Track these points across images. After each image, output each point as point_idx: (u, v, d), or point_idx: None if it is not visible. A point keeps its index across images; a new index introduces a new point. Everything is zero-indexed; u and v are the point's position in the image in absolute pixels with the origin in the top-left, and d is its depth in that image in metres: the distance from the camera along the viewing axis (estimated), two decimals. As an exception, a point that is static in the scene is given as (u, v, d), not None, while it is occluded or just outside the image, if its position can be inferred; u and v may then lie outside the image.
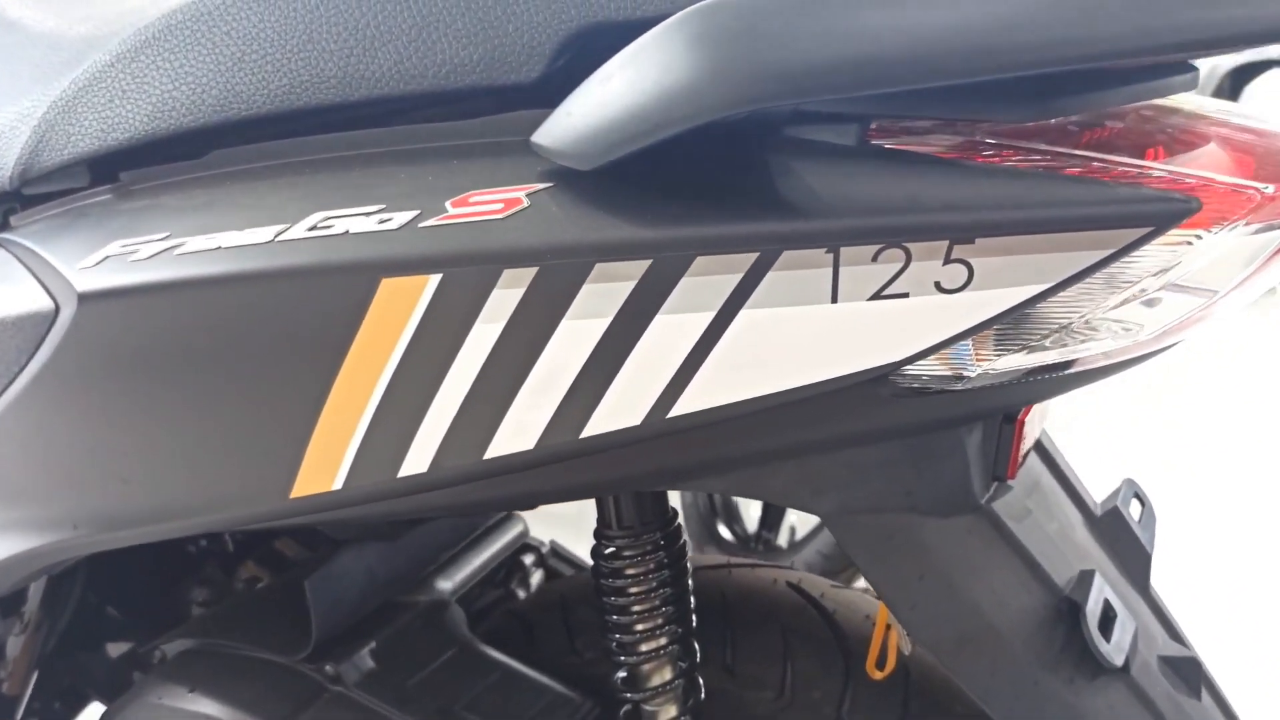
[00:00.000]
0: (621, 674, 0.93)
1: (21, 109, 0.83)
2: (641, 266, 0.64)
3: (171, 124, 0.77)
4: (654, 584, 0.92)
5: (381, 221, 0.67)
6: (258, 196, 0.72)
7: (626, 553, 0.92)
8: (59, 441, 0.78)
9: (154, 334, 0.72)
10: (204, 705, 0.90)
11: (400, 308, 0.67)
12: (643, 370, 0.67)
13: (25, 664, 1.08)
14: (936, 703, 0.93)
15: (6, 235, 0.83)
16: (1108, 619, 0.77)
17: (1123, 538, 0.89)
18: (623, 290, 0.65)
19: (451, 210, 0.66)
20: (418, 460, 0.72)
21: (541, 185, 0.67)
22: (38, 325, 0.76)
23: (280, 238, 0.68)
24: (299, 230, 0.68)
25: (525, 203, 0.66)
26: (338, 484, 0.74)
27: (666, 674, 0.92)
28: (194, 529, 0.81)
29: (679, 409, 0.68)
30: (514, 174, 0.68)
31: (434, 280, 0.66)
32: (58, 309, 0.75)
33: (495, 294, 0.66)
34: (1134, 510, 0.93)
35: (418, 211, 0.67)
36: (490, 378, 0.68)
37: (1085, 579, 0.79)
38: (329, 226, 0.68)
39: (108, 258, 0.72)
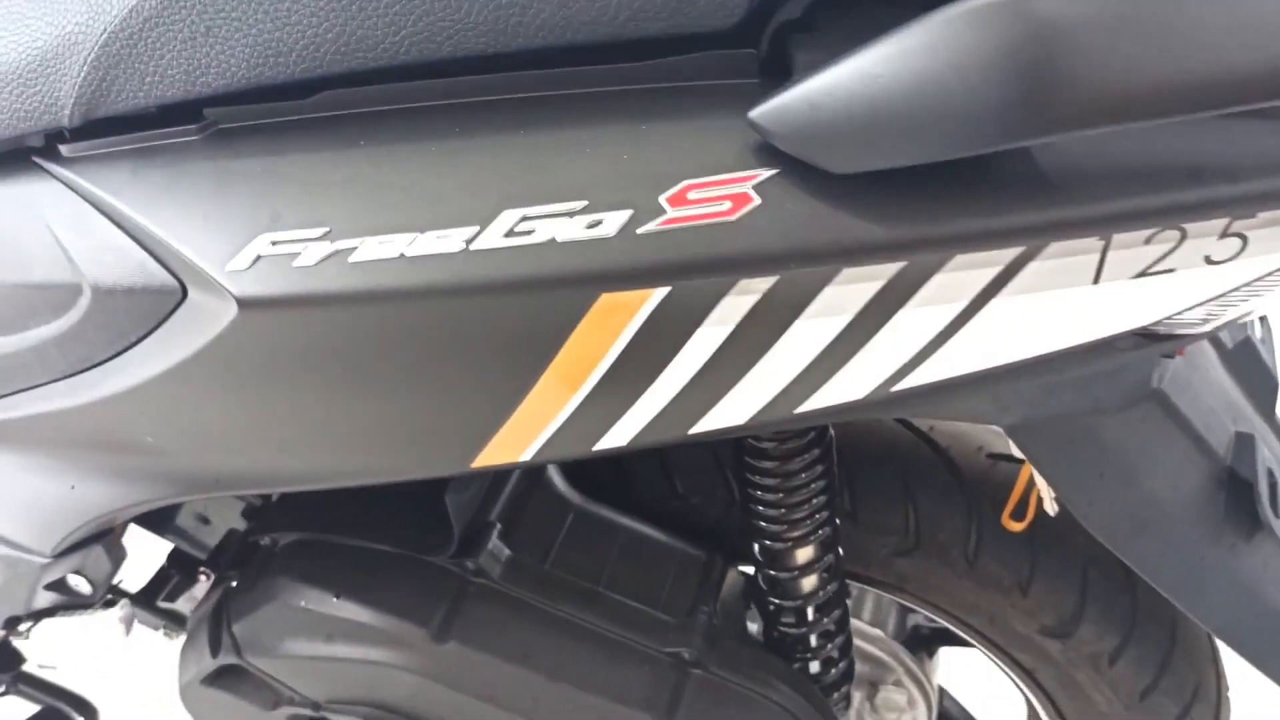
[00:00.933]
0: (762, 521, 0.97)
1: (62, 28, 0.69)
2: (892, 268, 0.59)
3: (277, 72, 0.65)
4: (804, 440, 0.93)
5: (591, 226, 0.60)
6: (415, 176, 0.63)
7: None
8: (205, 416, 0.73)
9: (328, 340, 0.65)
10: (353, 611, 0.90)
11: (617, 318, 0.62)
12: (875, 357, 0.64)
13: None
14: (1065, 556, 1.00)
15: (63, 171, 0.71)
16: (1274, 491, 0.81)
17: (1253, 367, 0.92)
18: (867, 291, 0.61)
19: (671, 212, 0.59)
20: (617, 437, 0.70)
21: (767, 173, 0.59)
22: (155, 302, 0.69)
23: (473, 245, 0.60)
24: (493, 236, 0.60)
25: (756, 199, 0.59)
26: (525, 457, 0.72)
27: (805, 524, 0.96)
28: (343, 484, 0.79)
29: (907, 384, 0.66)
30: (731, 157, 0.60)
31: (660, 293, 0.61)
32: (185, 292, 0.67)
33: (726, 301, 0.61)
34: (1256, 332, 0.95)
35: (631, 212, 0.59)
36: (709, 373, 0.65)
37: (1245, 446, 0.82)
38: (529, 232, 0.60)
39: (260, 258, 0.63)
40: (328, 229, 0.62)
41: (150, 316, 0.70)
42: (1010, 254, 0.59)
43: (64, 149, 0.71)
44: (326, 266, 0.62)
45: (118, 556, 0.90)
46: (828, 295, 0.60)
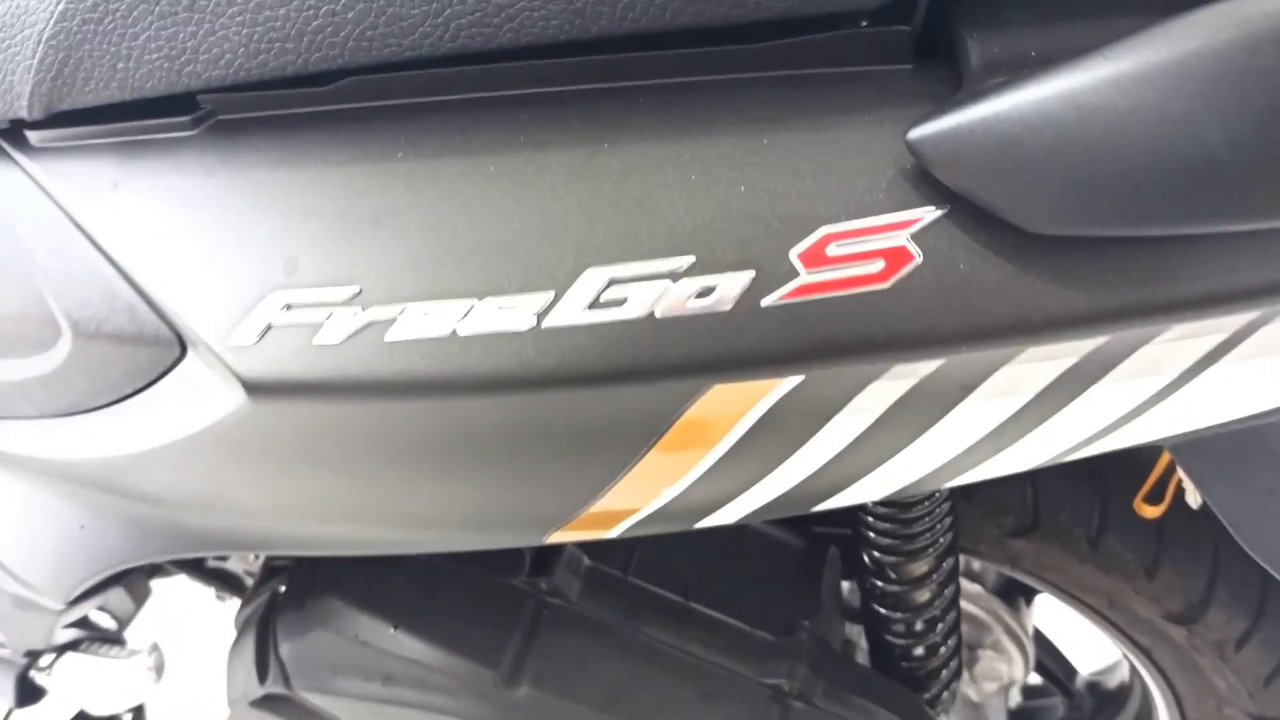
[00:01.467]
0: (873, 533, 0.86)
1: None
2: (1089, 344, 0.46)
3: (283, 63, 0.50)
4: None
5: (701, 295, 0.46)
6: (468, 213, 0.48)
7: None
8: (222, 489, 0.61)
9: (361, 433, 0.52)
10: (414, 649, 0.78)
11: (731, 411, 0.49)
12: (1050, 435, 0.51)
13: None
14: (1196, 538, 0.88)
15: (29, 163, 0.57)
16: None
17: None
18: (1054, 369, 0.47)
19: (805, 275, 0.45)
20: (725, 515, 0.58)
21: (930, 215, 0.45)
22: (149, 356, 0.56)
23: (546, 322, 0.47)
24: (572, 307, 0.46)
25: (916, 255, 0.45)
26: (613, 534, 0.60)
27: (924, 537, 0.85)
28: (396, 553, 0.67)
29: (1086, 451, 0.53)
30: (882, 191, 0.45)
31: (789, 383, 0.47)
32: (183, 348, 0.54)
33: (872, 388, 0.47)
34: None
35: (752, 275, 0.45)
36: (844, 459, 0.52)
37: None
38: (619, 302, 0.46)
39: (271, 329, 0.50)
40: (357, 289, 0.48)
41: (143, 372, 0.57)
42: (1242, 319, 0.45)
43: (32, 136, 0.56)
44: (357, 345, 0.49)
45: (142, 594, 0.80)
46: (1003, 377, 0.47)
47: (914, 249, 0.45)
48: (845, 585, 1.02)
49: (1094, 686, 1.24)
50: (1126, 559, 0.90)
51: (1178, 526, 0.88)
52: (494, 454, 0.52)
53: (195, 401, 0.55)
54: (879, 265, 0.45)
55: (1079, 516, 0.89)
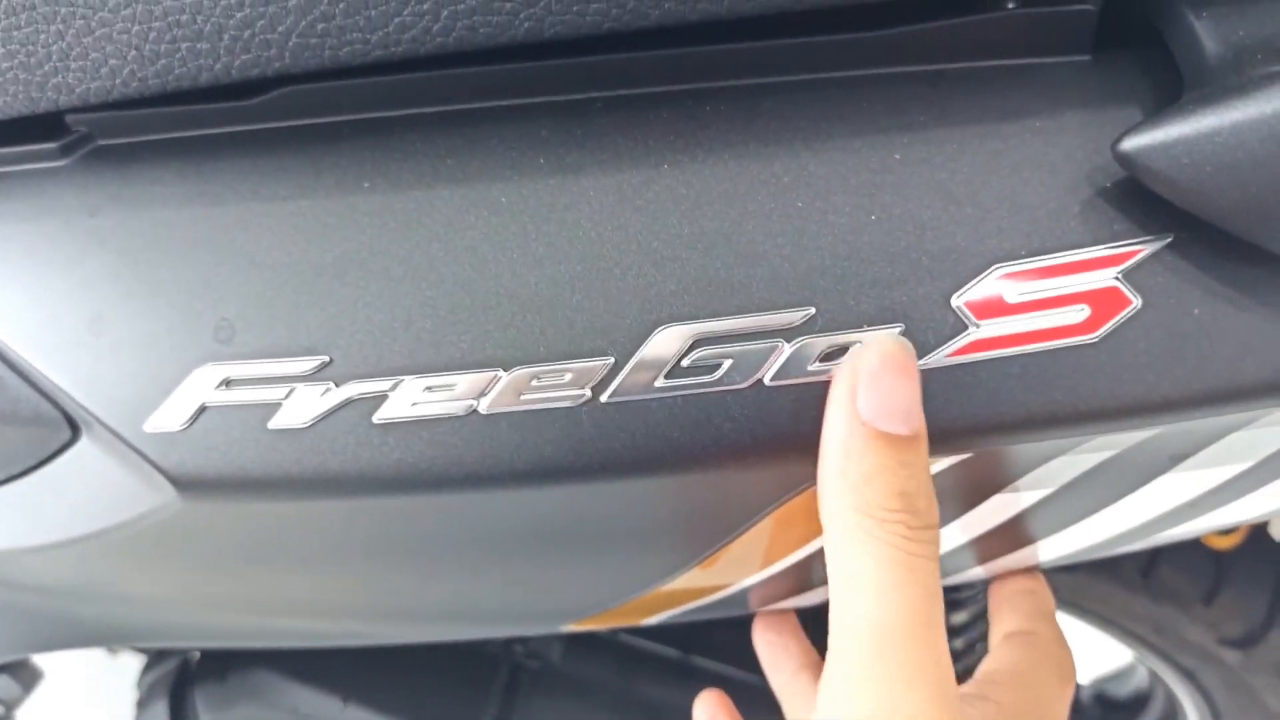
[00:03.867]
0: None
1: None
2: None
3: (194, 69, 0.35)
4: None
5: (828, 358, 0.32)
6: (483, 256, 0.34)
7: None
8: (146, 588, 0.46)
9: (338, 531, 0.38)
10: None
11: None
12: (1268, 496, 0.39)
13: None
14: (1256, 570, 0.79)
15: None
16: None
17: None
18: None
19: (976, 327, 0.32)
20: (811, 599, 0.45)
21: (1149, 248, 0.32)
22: (30, 436, 0.41)
23: (608, 395, 0.33)
24: (642, 376, 0.33)
25: (1134, 300, 0.32)
26: (646, 622, 0.47)
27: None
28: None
29: None
30: (1075, 216, 0.33)
31: (942, 462, 0.34)
32: (75, 431, 0.39)
33: (1057, 463, 0.35)
34: None
35: (899, 329, 0.32)
36: (995, 537, 0.39)
37: None
38: (709, 368, 0.33)
39: (205, 409, 0.35)
40: (325, 359, 0.34)
41: (24, 453, 0.42)
42: None
43: None
44: (333, 429, 0.34)
45: (30, 679, 0.64)
46: (1232, 442, 0.34)
47: (1129, 291, 0.32)
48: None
49: (1101, 696, 1.15)
50: (1182, 587, 0.80)
51: (1239, 551, 0.78)
52: (524, 548, 0.39)
53: (97, 495, 0.40)
54: (1082, 313, 0.32)
55: (1132, 546, 0.79)
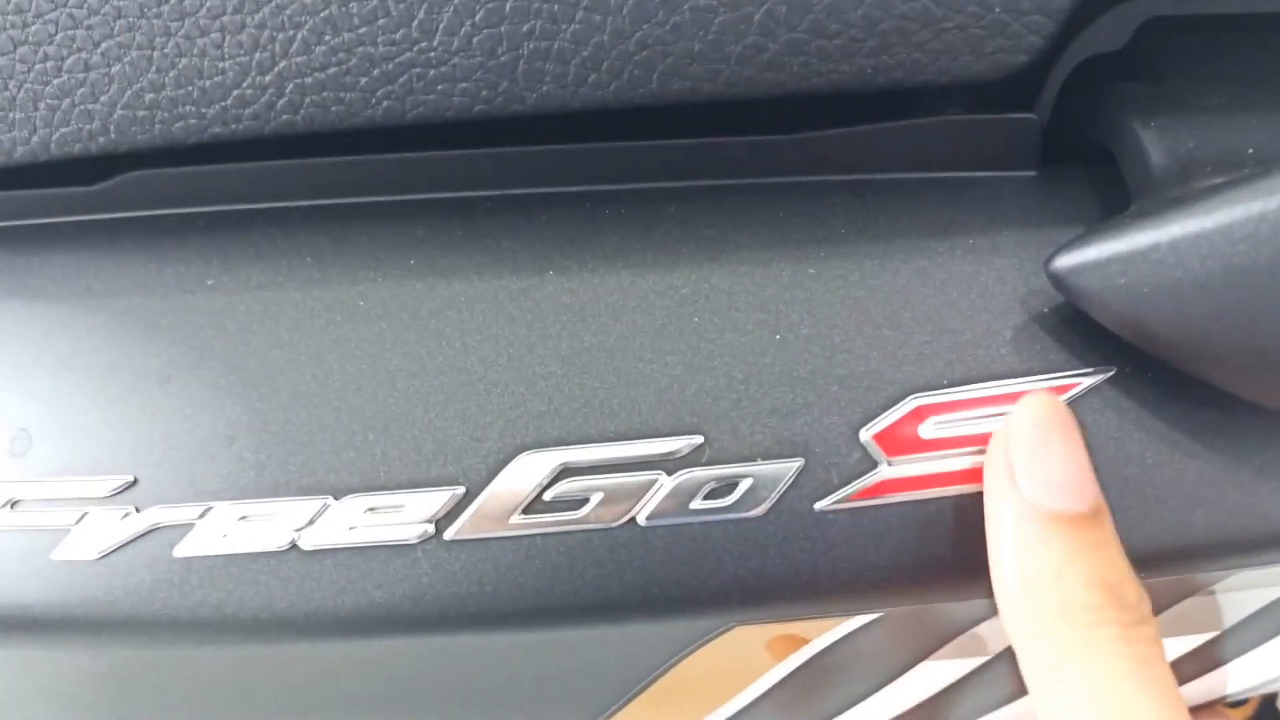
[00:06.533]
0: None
1: None
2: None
3: (6, 148, 0.30)
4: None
5: (716, 494, 0.27)
6: (328, 366, 0.29)
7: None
8: None
9: (132, 675, 0.32)
10: None
11: (763, 656, 0.30)
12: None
13: None
14: None
15: None
16: None
17: None
18: (1267, 595, 0.30)
19: (886, 465, 0.27)
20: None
21: (1087, 380, 0.28)
22: None
23: (453, 532, 0.28)
24: (494, 510, 0.28)
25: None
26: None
27: None
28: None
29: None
30: (1006, 344, 0.28)
31: (853, 623, 0.29)
32: None
33: (981, 629, 0.30)
34: None
35: (798, 465, 0.27)
36: (937, 706, 0.34)
37: None
38: (575, 503, 0.28)
39: (-14, 533, 0.29)
40: (129, 478, 0.28)
41: None
42: None
43: None
44: (127, 562, 0.28)
45: None
46: (1185, 609, 0.29)
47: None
48: None
49: None
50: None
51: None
52: (358, 709, 0.33)
53: None
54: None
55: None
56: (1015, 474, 0.26)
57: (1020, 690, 0.33)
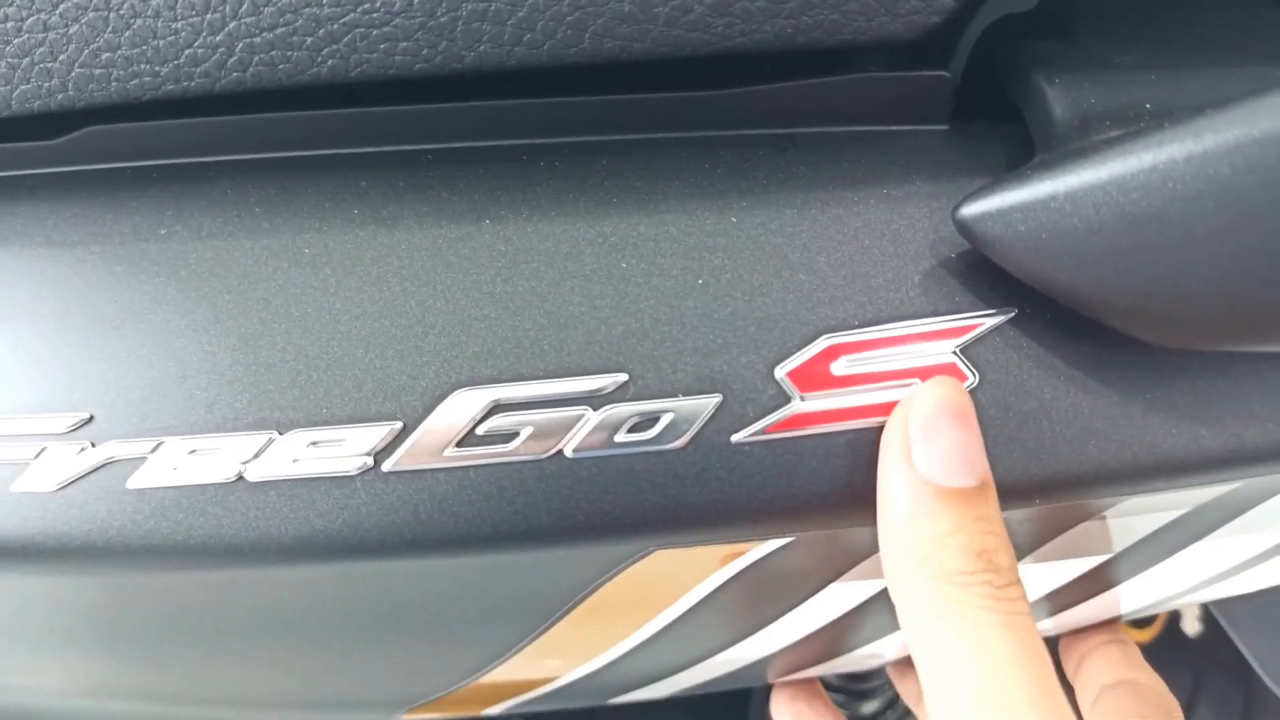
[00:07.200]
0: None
1: None
2: (1210, 493, 0.31)
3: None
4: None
5: (639, 428, 0.29)
6: (275, 309, 0.31)
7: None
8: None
9: (85, 603, 0.34)
10: None
11: (683, 579, 0.32)
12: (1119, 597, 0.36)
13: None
14: (1173, 667, 0.76)
15: None
16: None
17: None
18: (1150, 523, 0.32)
19: (800, 400, 0.29)
20: (656, 691, 0.41)
21: (989, 321, 0.30)
22: None
23: (391, 464, 0.29)
24: (431, 444, 0.29)
25: (972, 378, 0.30)
26: (489, 712, 0.42)
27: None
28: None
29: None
30: (915, 287, 0.30)
31: (766, 546, 0.31)
32: None
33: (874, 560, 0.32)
34: None
35: (717, 400, 0.29)
36: (847, 626, 0.36)
37: None
38: (506, 437, 0.29)
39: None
40: (85, 415, 0.30)
41: None
42: None
43: None
44: (83, 494, 0.30)
45: None
46: (1079, 535, 0.31)
47: (966, 367, 0.29)
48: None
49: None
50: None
51: (1154, 648, 0.75)
52: (306, 630, 0.35)
53: None
54: (913, 389, 0.29)
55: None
56: (912, 451, 0.28)
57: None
